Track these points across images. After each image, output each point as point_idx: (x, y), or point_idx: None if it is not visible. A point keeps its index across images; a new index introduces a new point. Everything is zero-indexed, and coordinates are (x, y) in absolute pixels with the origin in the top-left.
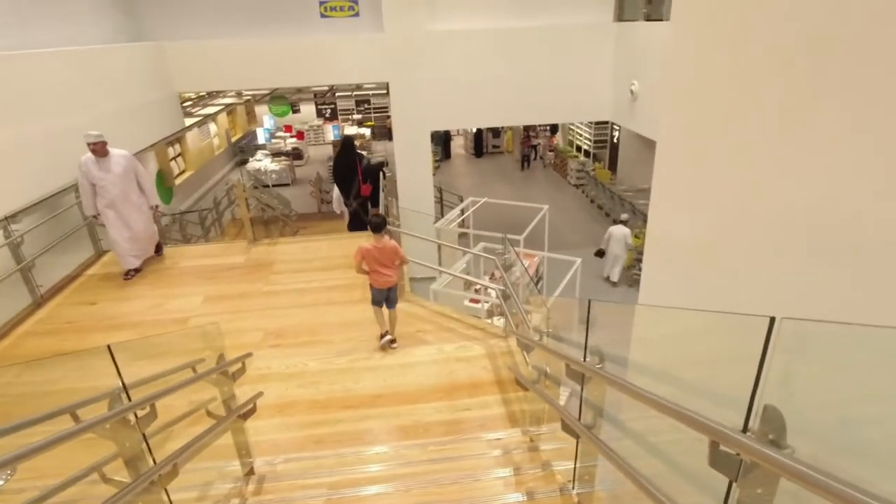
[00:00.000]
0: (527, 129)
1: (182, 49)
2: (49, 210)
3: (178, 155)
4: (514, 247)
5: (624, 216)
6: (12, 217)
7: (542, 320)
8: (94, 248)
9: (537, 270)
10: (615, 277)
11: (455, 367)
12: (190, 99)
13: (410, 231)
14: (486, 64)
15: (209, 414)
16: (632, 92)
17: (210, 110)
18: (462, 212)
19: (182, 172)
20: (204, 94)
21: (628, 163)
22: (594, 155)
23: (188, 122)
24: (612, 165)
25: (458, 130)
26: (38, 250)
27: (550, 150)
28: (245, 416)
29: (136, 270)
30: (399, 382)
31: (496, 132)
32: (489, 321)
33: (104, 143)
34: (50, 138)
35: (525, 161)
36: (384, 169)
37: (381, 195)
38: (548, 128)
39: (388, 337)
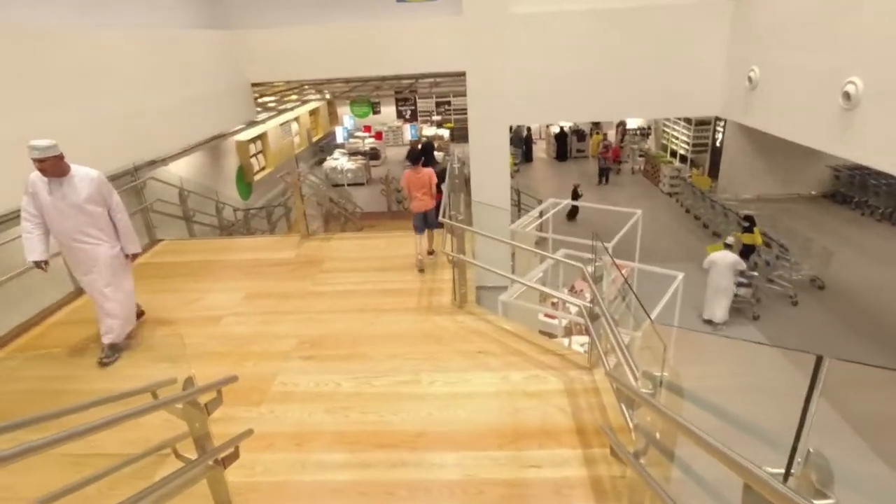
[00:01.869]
0: (604, 136)
1: (255, 37)
2: None
3: (259, 152)
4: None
5: (730, 240)
6: None
7: (654, 359)
8: (149, 235)
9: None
10: (719, 317)
11: (522, 403)
12: (272, 93)
13: (482, 231)
14: (574, 51)
15: (177, 456)
16: (750, 80)
17: (290, 114)
18: (541, 214)
19: (262, 169)
20: (284, 88)
21: (732, 168)
22: (691, 160)
23: (271, 121)
24: (713, 172)
25: (540, 134)
26: None
27: (641, 156)
28: (224, 463)
29: (112, 349)
30: (449, 418)
31: (581, 135)
32: (566, 341)
33: (58, 158)
34: (122, 118)
35: (603, 175)
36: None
37: (444, 190)
38: (621, 131)
39: (422, 256)
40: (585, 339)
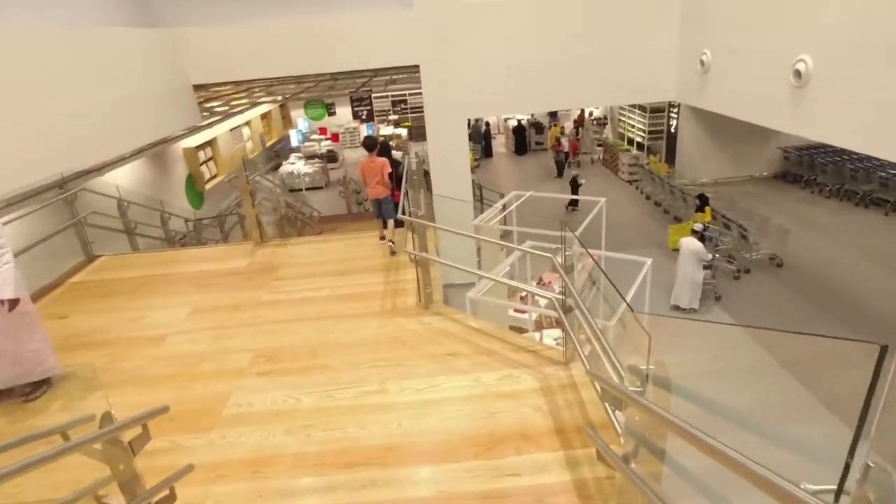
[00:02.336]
0: (558, 131)
1: (193, 35)
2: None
3: (210, 159)
4: (571, 244)
5: (697, 225)
6: None
7: (637, 351)
8: (84, 251)
9: (590, 274)
10: (687, 303)
11: (497, 406)
12: (221, 97)
13: (445, 227)
14: (528, 41)
15: None
16: (702, 63)
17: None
18: (504, 207)
19: (213, 177)
20: (231, 91)
21: (688, 154)
22: (648, 147)
23: (221, 126)
24: (670, 158)
25: (499, 128)
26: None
27: (599, 146)
28: None
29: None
30: (420, 428)
31: (539, 128)
32: (537, 336)
33: None
34: (34, 126)
35: (560, 168)
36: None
37: (403, 185)
38: (576, 122)
39: (386, 240)
40: (557, 332)
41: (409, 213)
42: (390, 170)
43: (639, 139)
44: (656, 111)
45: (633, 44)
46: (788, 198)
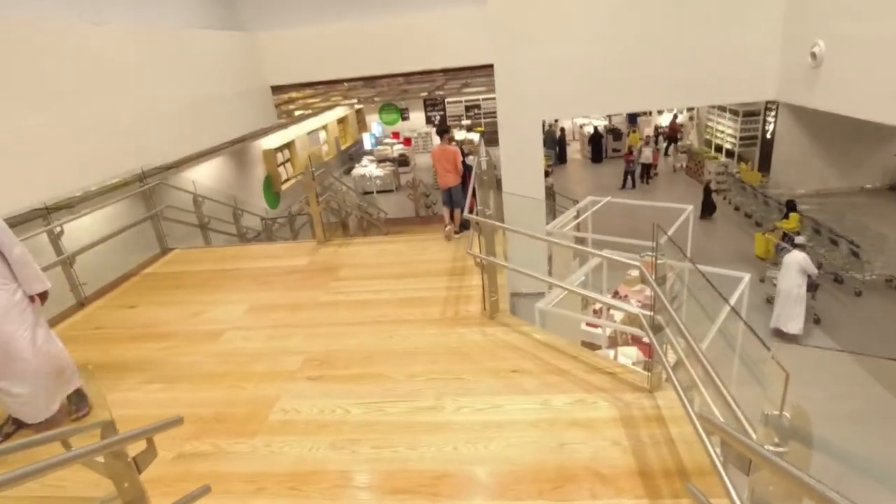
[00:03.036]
0: (637, 137)
1: (271, 39)
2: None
3: (287, 160)
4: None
5: (800, 238)
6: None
7: (750, 387)
8: (160, 243)
9: (672, 287)
10: (793, 328)
11: (568, 436)
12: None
13: (515, 228)
14: (608, 36)
15: None
16: (814, 56)
17: (318, 122)
18: (578, 213)
19: (290, 178)
20: (309, 94)
21: (786, 161)
22: (739, 154)
23: (299, 129)
24: (763, 166)
25: (573, 135)
26: (90, 245)
27: (683, 153)
28: None
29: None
30: (478, 455)
31: (617, 134)
32: (611, 353)
33: None
34: (116, 120)
35: (628, 178)
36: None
37: (471, 185)
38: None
39: (449, 227)
40: (633, 350)
41: (477, 212)
42: (462, 157)
43: (728, 145)
44: (750, 114)
45: (728, 36)
46: None
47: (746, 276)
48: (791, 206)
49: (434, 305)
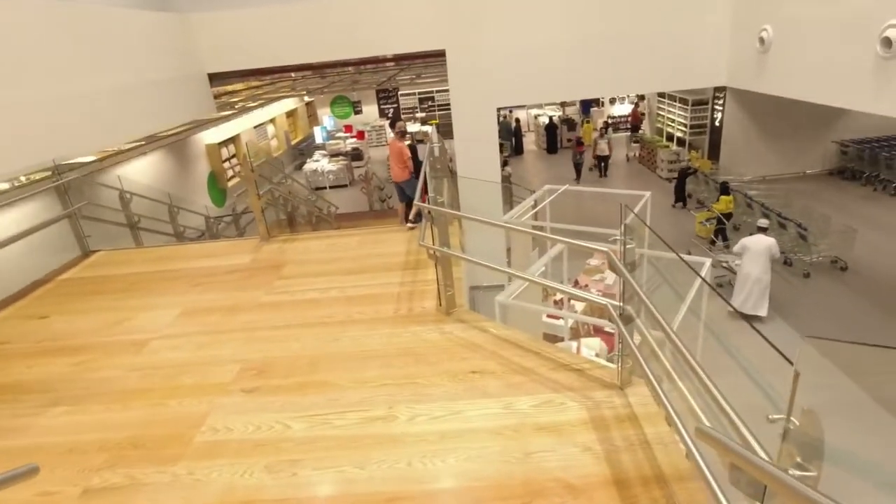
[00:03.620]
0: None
1: (208, 21)
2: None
3: (233, 156)
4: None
5: (763, 222)
6: None
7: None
8: (80, 245)
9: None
10: (757, 309)
11: (535, 443)
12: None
13: (472, 216)
14: (562, 22)
15: None
16: (761, 41)
17: (266, 115)
18: (535, 203)
19: (236, 175)
20: (255, 85)
21: (734, 149)
22: (689, 143)
23: (245, 123)
24: (713, 154)
25: (528, 126)
26: None
27: (635, 142)
28: None
29: None
30: (435, 471)
31: (571, 125)
32: (573, 345)
33: None
34: (23, 106)
35: (577, 170)
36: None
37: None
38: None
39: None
40: (596, 342)
41: (429, 201)
42: (409, 154)
43: (679, 134)
44: (699, 103)
45: (680, 23)
46: (848, 195)
47: (708, 261)
48: (724, 188)
49: (386, 303)
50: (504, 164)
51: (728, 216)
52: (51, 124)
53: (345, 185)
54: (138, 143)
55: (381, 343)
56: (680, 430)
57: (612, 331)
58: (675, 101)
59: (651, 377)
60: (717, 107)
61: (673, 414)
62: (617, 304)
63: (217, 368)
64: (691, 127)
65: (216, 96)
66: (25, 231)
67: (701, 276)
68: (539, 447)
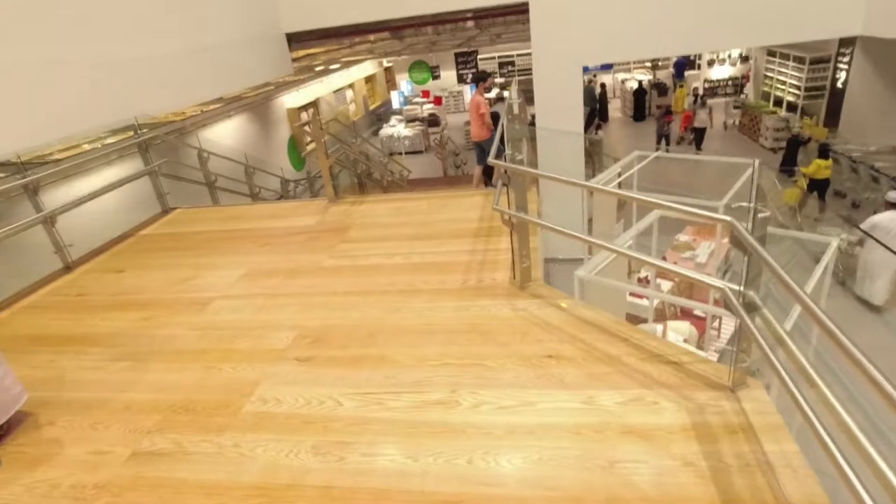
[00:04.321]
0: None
1: None
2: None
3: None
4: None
5: (893, 195)
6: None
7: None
8: (160, 203)
9: (728, 256)
10: (879, 299)
11: (622, 449)
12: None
13: (554, 175)
14: None
15: None
16: None
17: (345, 80)
18: (622, 171)
19: (311, 137)
20: (333, 48)
21: (857, 114)
22: (803, 108)
23: (321, 87)
24: (831, 121)
25: (614, 92)
26: (74, 202)
27: (736, 107)
28: None
29: None
30: (499, 473)
31: (662, 89)
32: (658, 328)
33: None
34: (105, 62)
35: (662, 140)
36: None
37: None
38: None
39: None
40: (685, 325)
41: (504, 157)
42: (484, 110)
43: (791, 98)
44: (818, 61)
45: None
46: None
47: (834, 241)
48: (822, 151)
49: (453, 272)
50: (598, 127)
51: (822, 183)
52: (131, 82)
53: (420, 152)
54: (220, 105)
55: (445, 317)
56: (833, 452)
57: (702, 314)
58: (789, 60)
59: (787, 379)
60: (840, 65)
61: (820, 428)
62: (736, 287)
63: (273, 333)
64: (807, 89)
65: (296, 59)
66: (107, 186)
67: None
68: (627, 455)
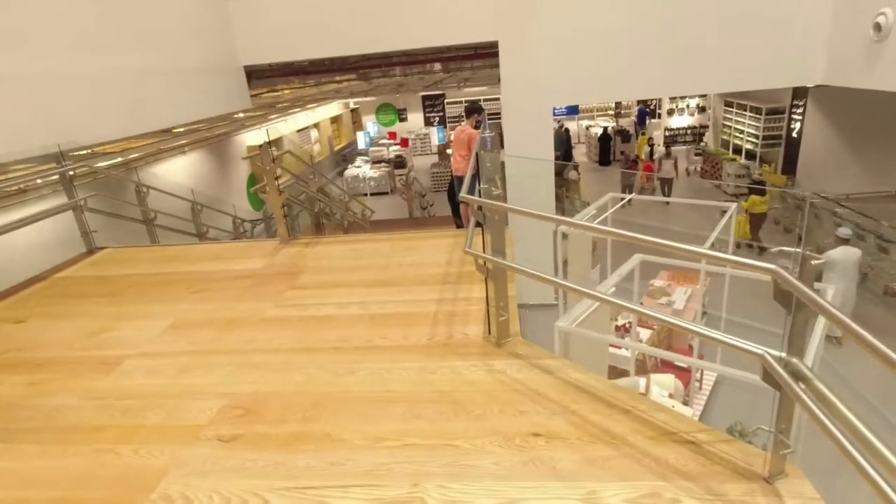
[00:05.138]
0: (645, 140)
1: (245, 8)
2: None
3: (274, 159)
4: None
5: (844, 231)
6: None
7: None
8: (85, 241)
9: (704, 303)
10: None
11: None
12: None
13: (540, 213)
14: (628, 6)
15: None
16: (878, 27)
17: (310, 120)
18: (596, 214)
19: (278, 178)
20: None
21: (814, 163)
22: (761, 156)
23: (287, 126)
24: (788, 168)
25: (579, 137)
26: None
27: (697, 155)
28: None
29: None
30: None
31: (626, 136)
32: (641, 382)
33: None
34: (28, 81)
35: (626, 190)
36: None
37: (472, 161)
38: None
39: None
40: (669, 378)
41: (480, 191)
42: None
43: (749, 146)
44: (774, 112)
45: (769, 9)
46: None
47: (831, 289)
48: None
49: (418, 325)
50: (575, 167)
51: (759, 218)
52: (58, 105)
53: (386, 193)
54: (168, 138)
55: (408, 381)
56: None
57: (683, 365)
58: (745, 110)
59: (864, 464)
60: (794, 115)
61: None
62: (777, 353)
63: (194, 403)
64: (764, 138)
65: (256, 95)
66: (19, 221)
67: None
68: None
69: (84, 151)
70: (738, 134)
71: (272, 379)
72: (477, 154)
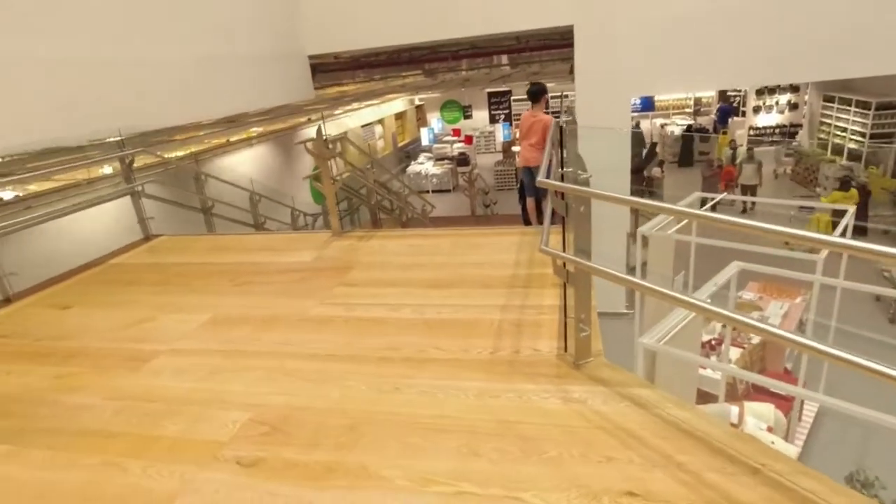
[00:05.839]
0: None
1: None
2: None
3: (338, 154)
4: None
5: None
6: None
7: None
8: (142, 228)
9: (802, 320)
10: None
11: None
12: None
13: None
14: None
15: None
16: None
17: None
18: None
19: (340, 174)
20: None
21: None
22: (867, 157)
23: (351, 121)
24: None
25: (651, 136)
26: (22, 222)
27: (788, 155)
28: None
29: None
30: None
31: (705, 136)
32: (733, 410)
33: None
34: (94, 67)
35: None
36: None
37: (548, 147)
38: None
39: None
40: (768, 408)
41: (562, 175)
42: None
43: (853, 145)
44: (884, 107)
45: None
46: None
47: None
48: (843, 183)
49: (480, 336)
50: (660, 163)
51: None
52: (119, 90)
53: (448, 190)
54: (234, 125)
55: (465, 406)
56: None
57: (782, 392)
58: (850, 105)
59: None
60: None
61: None
62: None
63: (218, 413)
64: (871, 137)
65: (320, 88)
66: (76, 205)
67: None
68: None
69: (146, 139)
70: (839, 132)
71: (305, 391)
72: (561, 128)
